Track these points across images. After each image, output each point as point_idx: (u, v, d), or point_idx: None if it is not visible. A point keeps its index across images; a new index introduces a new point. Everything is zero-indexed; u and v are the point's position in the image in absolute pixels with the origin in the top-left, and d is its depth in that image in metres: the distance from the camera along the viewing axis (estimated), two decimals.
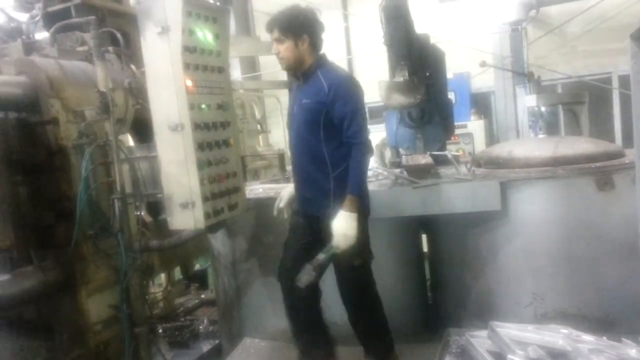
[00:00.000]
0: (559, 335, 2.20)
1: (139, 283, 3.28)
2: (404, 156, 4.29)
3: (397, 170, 4.06)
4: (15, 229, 3.13)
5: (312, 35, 2.88)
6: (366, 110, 3.01)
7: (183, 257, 4.79)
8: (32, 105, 3.06)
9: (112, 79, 3.25)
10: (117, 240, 3.14)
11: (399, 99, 4.14)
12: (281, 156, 4.53)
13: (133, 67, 3.71)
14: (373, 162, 4.24)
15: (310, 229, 3.02)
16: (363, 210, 2.94)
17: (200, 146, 2.89)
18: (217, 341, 4.70)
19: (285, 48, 2.87)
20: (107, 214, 3.18)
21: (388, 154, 5.15)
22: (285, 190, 3.28)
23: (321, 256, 2.84)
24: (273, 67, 8.18)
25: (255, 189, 3.89)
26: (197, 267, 6.08)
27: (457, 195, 3.32)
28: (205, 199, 2.93)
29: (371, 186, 3.83)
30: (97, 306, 3.31)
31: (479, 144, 7.73)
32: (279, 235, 3.63)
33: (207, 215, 2.95)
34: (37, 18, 4.03)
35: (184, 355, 4.61)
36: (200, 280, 6.13)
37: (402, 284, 3.75)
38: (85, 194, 3.00)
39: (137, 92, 3.48)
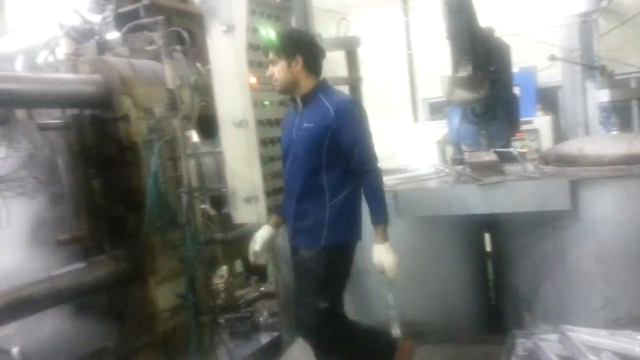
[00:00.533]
0: (635, 342, 2.09)
1: (203, 274, 3.38)
2: (467, 153, 4.20)
3: (460, 168, 3.98)
4: (89, 220, 3.29)
5: (306, 56, 2.69)
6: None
7: (244, 250, 4.88)
8: (106, 102, 3.20)
9: (179, 76, 3.35)
10: (184, 233, 3.25)
11: (462, 95, 4.05)
12: None
13: (198, 65, 3.81)
14: (435, 159, 4.17)
15: None
16: (343, 240, 2.76)
17: (263, 142, 2.95)
18: (276, 333, 4.78)
19: (278, 69, 2.70)
20: (174, 207, 3.29)
21: (449, 150, 5.05)
22: (259, 234, 2.94)
23: (390, 298, 2.87)
24: (329, 64, 8.22)
25: None
26: None
27: (524, 193, 3.21)
28: (268, 194, 2.98)
29: (432, 183, 3.78)
30: (164, 295, 3.43)
31: (545, 141, 7.45)
32: None
33: (270, 210, 3.00)
34: (109, 19, 4.21)
35: (244, 346, 4.71)
36: (260, 273, 6.24)
37: (463, 284, 3.68)
38: (154, 187, 3.12)
39: (203, 90, 3.58)
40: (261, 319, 5.16)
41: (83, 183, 3.24)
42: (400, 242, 3.57)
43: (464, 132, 4.55)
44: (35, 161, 3.33)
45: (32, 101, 3.04)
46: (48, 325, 3.55)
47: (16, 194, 3.34)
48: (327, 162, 2.67)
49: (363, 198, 2.77)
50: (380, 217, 2.67)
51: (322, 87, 2.77)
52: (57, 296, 2.93)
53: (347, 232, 2.77)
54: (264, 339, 4.85)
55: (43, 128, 3.08)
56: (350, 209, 2.75)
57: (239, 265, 5.62)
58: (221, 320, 4.95)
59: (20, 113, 3.63)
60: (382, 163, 3.24)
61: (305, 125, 2.68)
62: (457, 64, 4.17)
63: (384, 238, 2.68)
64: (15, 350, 1.37)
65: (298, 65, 2.68)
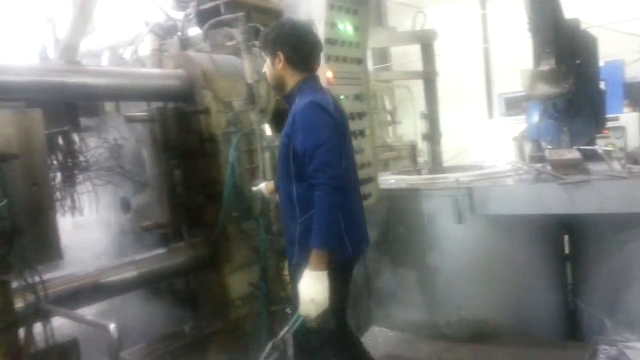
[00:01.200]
0: None
1: (276, 264, 3.46)
2: (547, 150, 4.04)
3: (539, 166, 3.83)
4: (170, 209, 3.43)
5: (288, 51, 2.51)
6: (337, 140, 2.41)
7: None
8: (188, 96, 3.33)
9: (257, 71, 3.43)
10: (258, 223, 3.33)
11: (544, 89, 3.89)
12: (413, 148, 4.50)
13: None
14: (512, 156, 4.03)
15: None
16: (336, 266, 2.38)
17: None
18: None
19: (266, 67, 2.61)
20: (250, 199, 3.38)
21: (528, 148, 4.87)
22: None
23: (285, 331, 2.41)
24: (404, 58, 8.13)
25: (388, 180, 3.90)
26: None
27: (610, 194, 3.05)
28: None
29: (510, 181, 3.67)
30: (238, 283, 3.53)
31: (633, 139, 7.00)
32: (412, 227, 3.64)
33: None
34: (191, 16, 4.37)
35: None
36: None
37: (539, 286, 3.55)
38: (232, 179, 3.22)
39: None
40: None
41: (166, 173, 3.38)
42: (475, 240, 3.52)
43: (544, 129, 4.38)
44: (123, 152, 3.53)
45: (122, 95, 3.21)
46: (130, 307, 3.77)
47: (105, 182, 3.57)
48: (295, 174, 2.47)
49: (352, 210, 2.52)
50: (317, 240, 2.29)
51: (303, 87, 2.54)
52: (140, 280, 3.09)
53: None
54: None
55: (130, 120, 3.24)
56: None
57: None
58: (288, 311, 5.05)
59: (108, 106, 3.86)
60: (455, 160, 3.14)
61: (282, 132, 2.55)
62: (539, 57, 4.01)
63: (314, 266, 2.27)
64: (112, 326, 1.46)
65: (281, 62, 2.54)
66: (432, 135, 4.33)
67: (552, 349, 3.19)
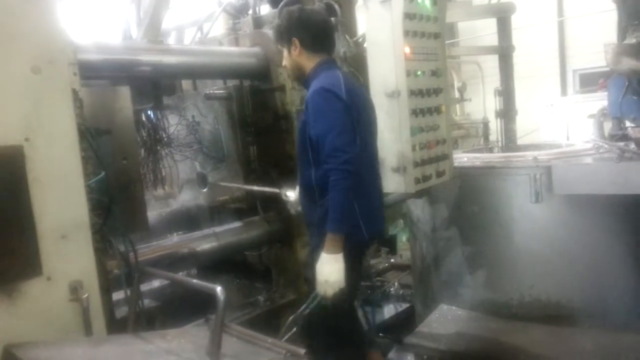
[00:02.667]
0: None
1: None
2: (630, 128, 3.84)
3: (622, 144, 3.66)
4: (245, 183, 3.55)
5: (302, 36, 2.53)
6: (348, 124, 2.41)
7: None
8: (264, 73, 3.41)
9: None
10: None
11: (631, 64, 3.68)
12: (485, 125, 4.40)
13: (347, 36, 3.88)
14: (591, 134, 3.87)
15: None
16: (351, 247, 2.48)
17: (414, 112, 2.95)
18: (407, 304, 4.84)
19: (284, 58, 2.64)
20: None
21: (607, 125, 4.65)
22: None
23: (303, 307, 2.53)
24: (472, 33, 7.88)
25: (460, 158, 3.85)
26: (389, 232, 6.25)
27: None
28: (416, 164, 2.99)
29: (590, 160, 3.53)
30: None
31: None
32: (484, 206, 3.58)
33: (417, 181, 3.01)
34: None
35: (376, 314, 4.83)
36: (390, 245, 6.31)
37: (619, 269, 3.42)
38: None
39: (350, 61, 3.66)
40: (392, 289, 5.24)
41: (241, 149, 3.50)
42: (551, 220, 3.42)
43: (627, 105, 4.15)
44: (200, 128, 3.66)
45: (203, 72, 3.33)
46: (206, 278, 3.94)
47: (184, 157, 3.73)
48: (313, 159, 2.50)
49: (368, 193, 2.57)
50: (331, 224, 2.37)
51: (318, 70, 2.55)
52: (220, 250, 3.23)
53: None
54: (395, 308, 4.94)
55: (209, 98, 3.36)
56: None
57: None
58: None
59: (185, 83, 4.00)
60: (524, 138, 3.04)
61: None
62: (624, 30, 3.80)
63: (329, 249, 2.36)
64: (219, 289, 1.55)
65: (297, 48, 2.57)
66: (507, 112, 4.21)
67: (630, 331, 3.08)
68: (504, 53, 4.13)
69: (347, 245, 2.46)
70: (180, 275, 2.03)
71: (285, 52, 2.66)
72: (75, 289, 1.73)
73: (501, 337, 3.33)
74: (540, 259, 3.48)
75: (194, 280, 1.72)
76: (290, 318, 2.61)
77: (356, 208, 2.52)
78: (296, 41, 2.57)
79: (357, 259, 2.68)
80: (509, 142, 4.28)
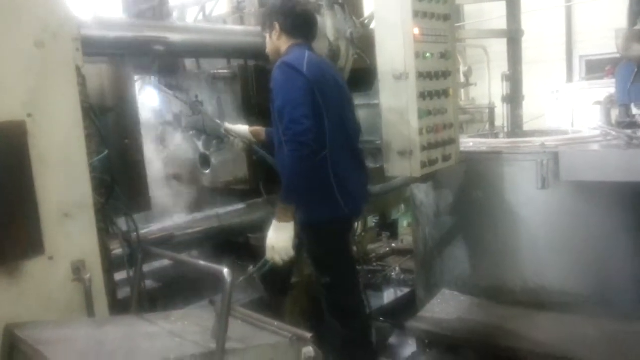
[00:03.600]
0: None
1: None
2: (638, 115, 3.80)
3: (630, 131, 3.61)
4: (248, 165, 3.51)
5: (282, 19, 2.67)
6: (305, 98, 2.48)
7: (383, 206, 4.94)
8: None
9: (337, 29, 3.39)
10: None
11: None
12: (491, 110, 4.34)
13: (354, 17, 3.80)
14: (598, 121, 3.82)
15: None
16: (311, 220, 2.64)
17: (422, 95, 2.90)
18: (408, 289, 4.83)
19: (267, 44, 2.77)
20: None
21: (615, 112, 4.60)
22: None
23: (253, 271, 2.75)
24: (478, 17, 7.77)
25: (465, 143, 3.80)
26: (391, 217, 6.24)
27: None
28: (423, 148, 2.96)
29: (597, 147, 3.49)
30: None
31: None
32: (489, 192, 3.54)
33: (423, 165, 2.98)
34: None
35: (376, 298, 4.83)
36: (391, 229, 6.30)
37: (625, 257, 3.39)
38: None
39: (358, 42, 3.59)
40: (393, 274, 5.24)
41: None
42: (557, 207, 3.39)
43: (636, 92, 4.11)
44: (203, 109, 3.60)
45: (207, 51, 3.26)
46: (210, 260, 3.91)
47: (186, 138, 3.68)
48: (281, 132, 2.54)
49: (345, 168, 2.66)
50: (281, 193, 2.53)
51: (289, 51, 2.66)
52: (222, 232, 3.19)
53: (309, 211, 2.61)
54: (396, 293, 4.93)
55: (214, 77, 3.29)
56: (307, 190, 2.54)
57: (370, 220, 5.73)
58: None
59: (188, 62, 3.93)
60: (529, 125, 2.98)
61: None
62: (636, 15, 3.73)
63: (279, 217, 2.51)
64: (226, 271, 1.53)
65: (277, 32, 2.70)
66: (514, 98, 4.15)
67: (636, 319, 3.07)
68: (513, 37, 4.05)
69: (325, 219, 2.63)
70: (185, 256, 2.00)
71: (267, 37, 2.78)
72: (77, 269, 1.70)
73: (504, 324, 3.32)
74: (545, 246, 3.46)
75: (200, 262, 1.69)
76: (241, 279, 2.78)
77: (332, 183, 2.62)
78: (276, 25, 2.70)
79: (339, 235, 2.79)
80: (515, 127, 4.23)
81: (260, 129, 3.11)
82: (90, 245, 1.76)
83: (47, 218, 1.65)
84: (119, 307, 2.13)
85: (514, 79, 4.08)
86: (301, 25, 2.73)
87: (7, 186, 1.57)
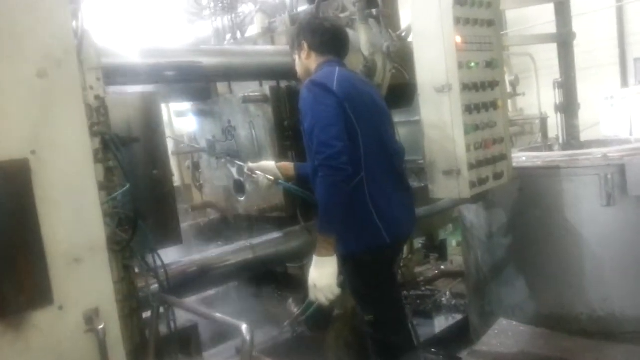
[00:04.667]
0: None
1: None
2: None
3: None
4: (284, 192, 3.33)
5: (309, 37, 2.54)
6: (336, 118, 2.29)
7: (429, 227, 4.67)
8: None
9: (373, 43, 3.20)
10: None
11: None
12: (543, 120, 4.03)
13: (390, 30, 3.61)
14: None
15: None
16: (350, 251, 2.41)
17: (468, 108, 2.66)
18: (461, 316, 4.51)
19: (296, 65, 2.66)
20: None
21: None
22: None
23: (298, 313, 2.60)
24: (522, 24, 7.44)
25: (518, 157, 3.51)
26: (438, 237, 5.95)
27: None
28: (471, 166, 2.70)
29: None
30: None
31: None
32: (548, 210, 3.24)
33: (472, 185, 2.72)
34: None
35: (426, 326, 4.53)
36: (439, 251, 5.99)
37: None
38: None
39: (395, 56, 3.38)
40: (443, 299, 4.93)
41: (280, 154, 3.28)
42: (626, 225, 3.06)
43: None
44: (236, 134, 3.48)
45: (237, 74, 3.13)
46: (246, 291, 3.76)
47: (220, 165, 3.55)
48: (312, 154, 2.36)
49: (384, 192, 2.44)
50: (319, 225, 2.28)
51: (318, 69, 2.51)
52: (256, 263, 3.01)
53: (347, 241, 2.38)
54: (448, 320, 4.61)
55: (245, 101, 3.16)
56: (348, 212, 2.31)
57: (417, 242, 5.45)
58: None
59: (221, 87, 3.83)
60: (584, 133, 2.67)
61: None
62: None
63: (319, 251, 2.26)
64: (245, 327, 1.33)
65: (305, 51, 2.57)
66: (568, 106, 3.84)
67: None
68: (564, 40, 3.74)
69: (365, 249, 2.42)
70: (206, 310, 1.81)
71: (296, 58, 2.66)
72: (90, 319, 1.54)
73: (570, 357, 2.98)
74: (614, 269, 3.13)
75: (218, 315, 1.50)
76: (286, 323, 2.66)
77: (371, 209, 2.40)
78: (304, 44, 2.58)
79: (382, 266, 2.56)
80: (571, 138, 3.90)
81: (288, 165, 2.92)
82: (104, 292, 1.60)
83: (55, 264, 1.50)
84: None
85: (567, 85, 3.77)
86: (330, 41, 2.58)
87: (10, 231, 1.44)
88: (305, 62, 2.60)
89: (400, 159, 2.67)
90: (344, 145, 2.22)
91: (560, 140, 4.07)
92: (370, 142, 2.42)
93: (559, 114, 3.92)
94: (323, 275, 2.24)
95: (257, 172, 2.93)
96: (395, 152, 2.63)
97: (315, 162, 2.25)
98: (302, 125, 2.43)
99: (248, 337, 1.26)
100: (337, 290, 2.27)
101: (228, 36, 4.36)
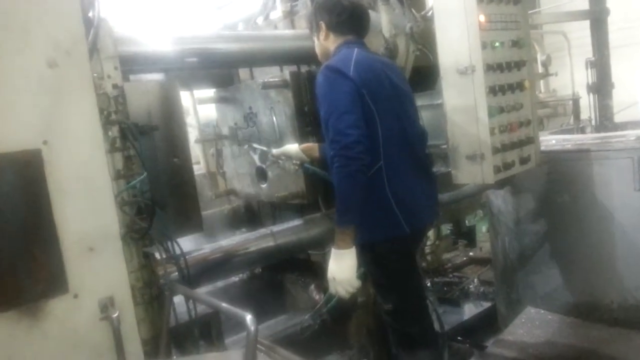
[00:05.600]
0: None
1: None
2: None
3: None
4: (306, 178, 3.30)
5: (327, 17, 2.46)
6: (352, 105, 2.21)
7: (456, 213, 4.58)
8: None
9: (394, 25, 3.11)
10: None
11: None
12: (576, 102, 3.88)
13: (413, 11, 3.51)
14: None
15: None
16: (369, 241, 2.35)
17: (492, 90, 2.56)
18: (489, 303, 4.43)
19: (316, 47, 2.59)
20: None
21: None
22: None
23: (319, 306, 2.63)
24: (555, 1, 7.15)
25: (547, 140, 3.39)
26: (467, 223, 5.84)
27: None
28: (496, 150, 2.61)
29: None
30: None
31: None
32: (577, 196, 3.12)
33: (497, 170, 2.63)
34: None
35: (453, 314, 4.46)
36: (468, 237, 5.88)
37: None
38: None
39: (418, 38, 3.29)
40: (471, 286, 4.85)
41: (300, 140, 3.24)
42: None
43: None
44: (258, 120, 3.45)
45: (255, 59, 3.09)
46: (266, 278, 3.77)
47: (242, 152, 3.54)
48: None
49: (404, 180, 2.37)
50: (336, 217, 2.23)
51: (337, 51, 2.44)
52: (277, 251, 3.00)
53: (365, 231, 2.31)
54: (476, 308, 4.54)
55: (265, 87, 3.12)
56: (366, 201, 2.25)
57: (445, 228, 5.37)
58: (427, 284, 4.77)
59: (242, 73, 3.80)
60: (621, 114, 2.54)
61: None
62: None
63: (337, 244, 2.20)
64: (249, 318, 1.32)
65: (323, 32, 2.51)
66: (601, 86, 3.67)
67: None
68: (597, 17, 3.56)
69: (384, 239, 2.37)
70: (211, 297, 1.80)
71: (315, 40, 2.60)
72: (105, 307, 1.55)
73: (600, 347, 2.90)
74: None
75: (224, 304, 1.49)
76: (307, 316, 2.66)
77: (389, 197, 2.33)
78: (322, 24, 2.51)
79: (402, 256, 2.48)
80: (604, 119, 3.74)
81: (312, 146, 2.87)
82: (119, 280, 1.61)
83: (69, 253, 1.50)
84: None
85: (600, 64, 3.60)
86: (348, 20, 2.48)
87: (24, 220, 1.45)
88: (324, 44, 2.53)
89: (422, 145, 2.59)
90: (361, 134, 2.15)
91: (593, 122, 3.92)
92: (390, 129, 2.35)
93: (591, 95, 3.76)
94: (342, 268, 2.20)
95: (282, 157, 2.89)
96: (417, 137, 2.54)
97: (331, 151, 2.18)
98: (319, 112, 2.37)
99: (252, 328, 1.24)
100: (356, 283, 2.23)
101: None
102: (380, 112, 2.30)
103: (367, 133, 2.20)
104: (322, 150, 2.80)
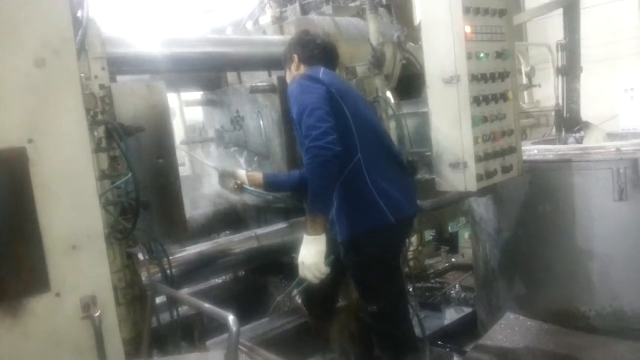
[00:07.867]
0: None
1: None
2: None
3: None
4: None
5: (299, 51, 2.64)
6: (323, 103, 2.33)
7: (439, 219, 4.63)
8: None
9: (382, 33, 3.16)
10: None
11: None
12: (558, 112, 3.95)
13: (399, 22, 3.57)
14: None
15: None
16: (355, 233, 2.45)
17: (477, 100, 2.61)
18: (469, 309, 4.48)
19: (287, 77, 2.74)
20: None
21: None
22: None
23: (289, 290, 2.69)
24: (541, 2, 7.25)
25: (529, 150, 3.45)
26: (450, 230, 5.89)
27: None
28: (479, 159, 2.66)
29: None
30: None
31: None
32: (558, 205, 3.18)
33: (480, 178, 2.67)
34: None
35: (435, 319, 4.50)
36: (450, 243, 5.93)
37: None
38: None
39: (405, 47, 3.34)
40: (453, 292, 4.90)
41: (287, 145, 3.27)
42: (637, 220, 2.99)
43: None
44: (244, 123, 3.47)
45: (243, 64, 3.12)
46: (250, 279, 3.76)
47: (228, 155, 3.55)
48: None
49: (383, 173, 2.48)
50: (309, 204, 2.33)
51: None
52: (261, 253, 3.01)
53: (351, 223, 2.45)
54: (457, 313, 4.58)
55: (253, 91, 3.14)
56: (346, 201, 2.43)
57: (428, 234, 5.41)
58: (409, 289, 4.80)
59: (231, 77, 3.81)
60: (602, 126, 2.59)
61: None
62: None
63: (307, 230, 2.30)
64: (232, 318, 1.33)
65: (295, 63, 2.66)
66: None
67: None
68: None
69: (370, 229, 2.43)
70: (194, 298, 1.81)
71: (287, 72, 2.75)
72: (87, 306, 1.55)
73: (577, 354, 2.95)
74: (625, 265, 3.07)
75: (206, 305, 1.49)
76: (278, 298, 2.75)
77: (371, 188, 2.43)
78: (295, 57, 2.66)
79: (388, 246, 2.56)
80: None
81: (257, 175, 3.02)
82: (101, 279, 1.60)
83: (52, 251, 1.50)
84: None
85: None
86: (320, 54, 2.65)
87: (7, 218, 1.44)
88: (295, 74, 2.65)
89: (392, 143, 2.75)
90: (330, 126, 2.25)
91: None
92: (363, 127, 2.47)
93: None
94: (311, 253, 2.28)
95: (227, 175, 3.07)
96: (389, 136, 2.74)
97: (305, 147, 2.28)
98: (293, 123, 2.49)
99: (235, 329, 1.25)
100: (324, 269, 2.31)
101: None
102: (351, 111, 2.44)
103: (340, 127, 2.32)
104: (267, 178, 2.97)
